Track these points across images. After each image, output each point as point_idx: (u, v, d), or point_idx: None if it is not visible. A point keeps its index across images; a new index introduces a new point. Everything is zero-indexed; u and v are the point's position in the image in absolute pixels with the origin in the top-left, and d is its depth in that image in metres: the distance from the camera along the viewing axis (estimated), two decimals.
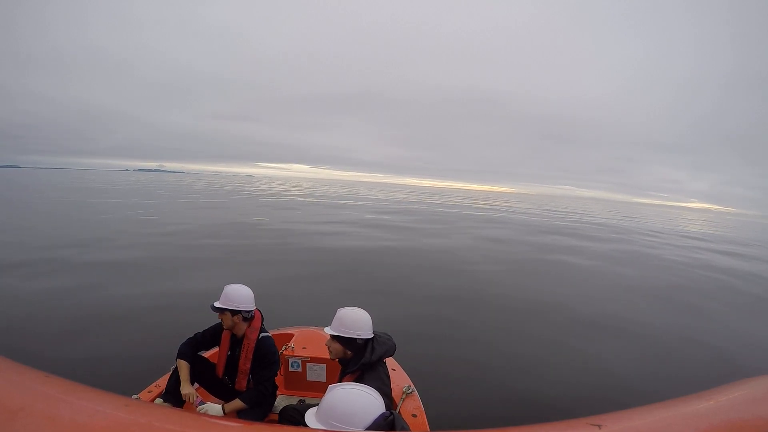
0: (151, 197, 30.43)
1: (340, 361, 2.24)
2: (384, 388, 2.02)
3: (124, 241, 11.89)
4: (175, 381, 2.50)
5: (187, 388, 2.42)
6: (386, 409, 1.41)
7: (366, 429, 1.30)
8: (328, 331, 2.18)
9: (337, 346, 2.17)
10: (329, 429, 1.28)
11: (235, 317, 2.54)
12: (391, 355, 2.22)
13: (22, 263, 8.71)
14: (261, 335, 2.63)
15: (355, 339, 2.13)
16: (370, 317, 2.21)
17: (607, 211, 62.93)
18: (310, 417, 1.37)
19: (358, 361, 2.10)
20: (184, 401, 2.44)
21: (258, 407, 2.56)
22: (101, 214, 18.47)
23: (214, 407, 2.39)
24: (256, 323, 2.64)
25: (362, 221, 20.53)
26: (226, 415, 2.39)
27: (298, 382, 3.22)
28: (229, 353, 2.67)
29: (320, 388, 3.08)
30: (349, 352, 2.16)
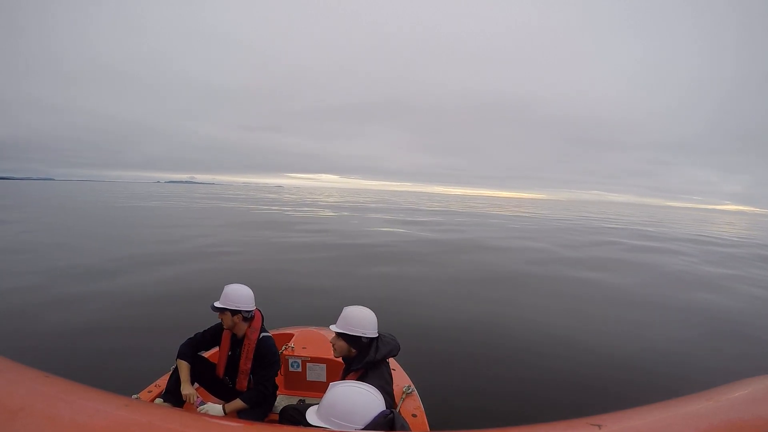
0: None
1: (343, 359, 2.25)
2: (386, 387, 2.04)
3: None
4: (175, 381, 2.50)
5: (187, 389, 2.42)
6: (387, 408, 1.42)
7: (366, 426, 1.32)
8: (334, 328, 2.19)
9: (341, 343, 2.18)
10: (330, 426, 1.29)
11: (235, 317, 2.54)
12: (395, 356, 2.22)
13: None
14: (261, 335, 2.63)
15: (360, 337, 2.13)
16: (375, 317, 2.22)
17: (653, 218, 54.16)
18: (311, 414, 1.39)
19: (362, 359, 2.11)
20: (185, 401, 2.44)
21: (258, 407, 2.56)
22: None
23: (214, 407, 2.39)
24: (257, 323, 2.65)
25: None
26: (227, 415, 2.39)
27: (298, 382, 3.22)
28: (229, 353, 2.67)
29: (320, 388, 3.08)
30: (353, 351, 2.17)
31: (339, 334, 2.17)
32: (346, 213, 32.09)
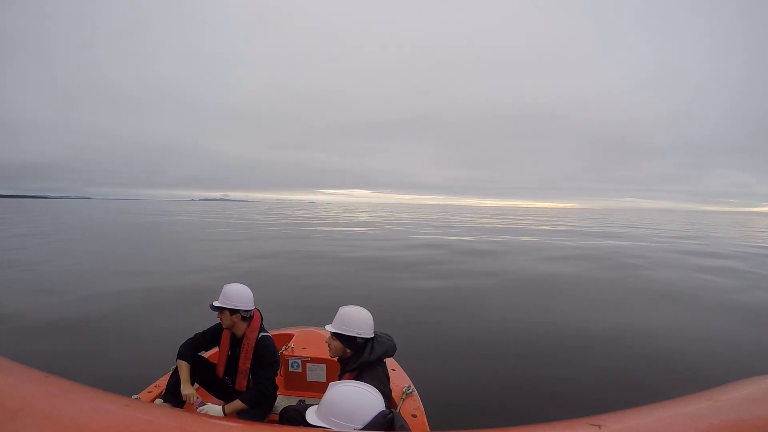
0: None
1: (339, 360, 2.24)
2: (383, 388, 2.02)
3: None
4: (175, 381, 2.50)
5: (187, 389, 2.42)
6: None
7: (365, 426, 1.32)
8: (329, 328, 2.18)
9: (336, 344, 2.17)
10: (329, 426, 1.29)
11: (234, 316, 2.55)
12: (391, 356, 2.21)
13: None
14: (260, 335, 2.63)
15: (356, 338, 2.12)
16: (371, 317, 2.21)
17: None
18: (311, 414, 1.39)
19: (357, 360, 2.10)
20: (185, 402, 2.44)
21: (258, 407, 2.56)
22: None
23: (214, 408, 2.38)
24: (256, 323, 2.64)
25: None
26: (227, 415, 2.39)
27: (297, 382, 3.22)
28: (229, 353, 2.67)
29: (320, 389, 3.08)
30: (348, 351, 2.16)
31: (334, 334, 2.17)
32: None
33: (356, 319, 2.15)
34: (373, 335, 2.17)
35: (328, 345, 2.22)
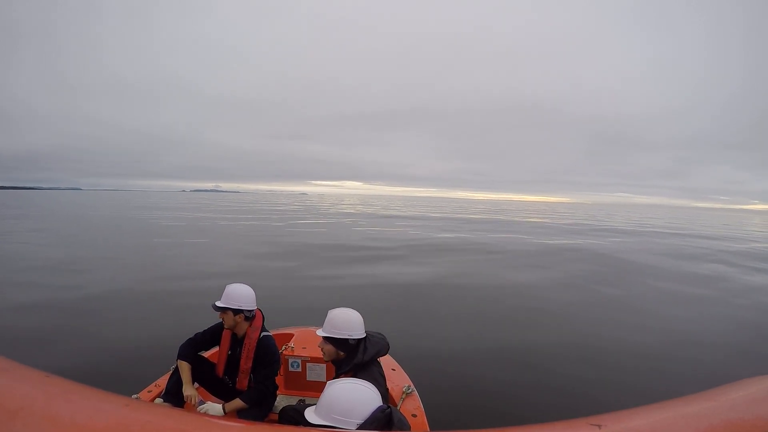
0: None
1: (333, 362, 2.24)
2: (379, 387, 2.04)
3: None
4: (175, 381, 2.50)
5: (189, 390, 2.42)
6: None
7: (364, 422, 1.33)
8: (320, 333, 2.18)
9: (329, 347, 2.17)
10: (329, 423, 1.30)
11: (237, 317, 2.55)
12: (384, 355, 2.22)
13: None
14: (262, 335, 2.63)
15: (347, 340, 2.12)
16: (361, 317, 2.21)
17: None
18: (310, 413, 1.40)
19: (351, 361, 2.10)
20: (185, 401, 2.44)
21: (258, 407, 2.56)
22: None
23: (214, 407, 2.39)
24: (257, 323, 2.65)
25: None
26: (227, 414, 2.39)
27: (298, 382, 3.22)
28: (229, 353, 2.67)
29: (320, 388, 3.07)
30: (341, 353, 2.16)
31: (326, 338, 2.17)
32: None
33: (346, 321, 2.15)
34: (364, 335, 2.17)
35: (321, 349, 2.22)
